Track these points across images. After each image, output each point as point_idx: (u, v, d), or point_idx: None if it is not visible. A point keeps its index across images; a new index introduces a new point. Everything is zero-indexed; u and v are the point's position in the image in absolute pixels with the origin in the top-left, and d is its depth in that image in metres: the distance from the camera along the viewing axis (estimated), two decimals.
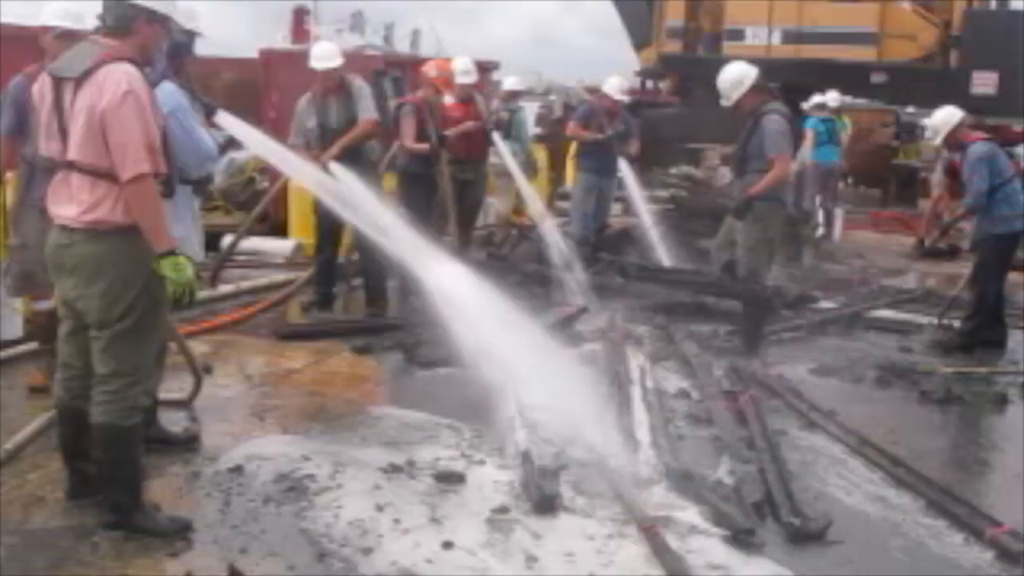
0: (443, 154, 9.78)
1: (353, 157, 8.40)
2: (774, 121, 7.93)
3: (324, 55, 8.71)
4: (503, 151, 11.04)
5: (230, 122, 5.34)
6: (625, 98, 11.70)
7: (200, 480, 5.18)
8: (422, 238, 6.69)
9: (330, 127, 8.62)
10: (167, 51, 5.06)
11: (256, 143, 5.96)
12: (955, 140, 8.47)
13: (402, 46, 19.87)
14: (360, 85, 8.77)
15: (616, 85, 11.44)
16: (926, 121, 9.04)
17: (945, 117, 8.49)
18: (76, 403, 4.56)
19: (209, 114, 5.24)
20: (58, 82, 4.32)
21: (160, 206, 4.30)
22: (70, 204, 4.30)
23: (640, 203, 11.90)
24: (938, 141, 8.55)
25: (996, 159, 8.27)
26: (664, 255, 11.16)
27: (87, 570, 4.21)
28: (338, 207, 6.90)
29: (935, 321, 9.03)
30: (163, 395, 5.70)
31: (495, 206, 12.71)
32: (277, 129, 9.44)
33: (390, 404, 6.50)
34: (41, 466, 5.17)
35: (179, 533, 4.52)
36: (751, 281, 8.11)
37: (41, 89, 4.42)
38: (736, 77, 8.02)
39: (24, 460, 5.25)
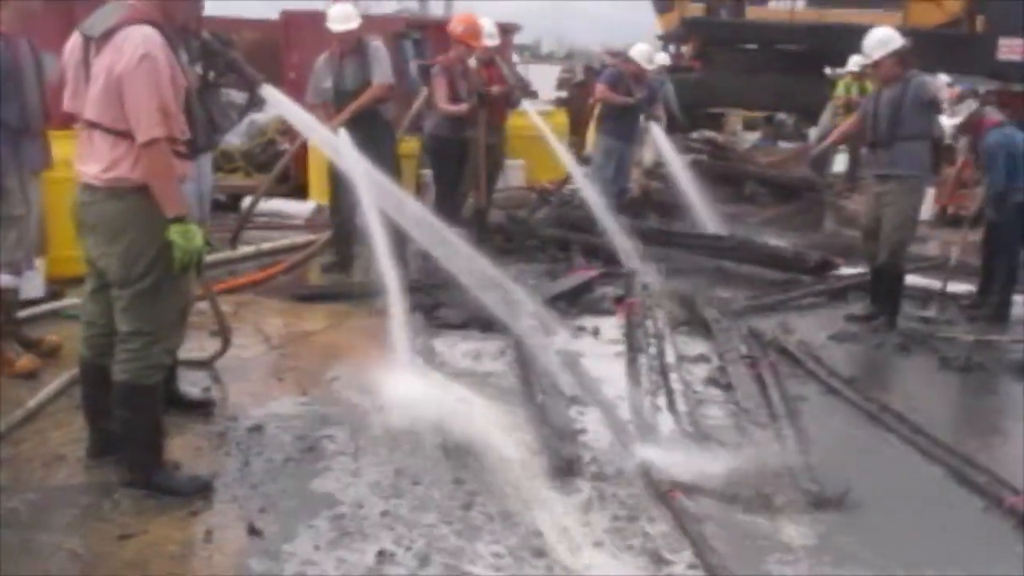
0: (482, 115, 9.69)
1: (368, 119, 8.38)
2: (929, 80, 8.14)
3: (341, 17, 8.64)
4: (533, 115, 11.03)
5: (275, 96, 5.26)
6: (652, 67, 11.64)
7: (220, 439, 5.20)
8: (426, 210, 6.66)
9: (345, 89, 8.58)
10: None
11: (297, 119, 5.84)
12: (973, 126, 8.71)
13: (436, 9, 19.93)
14: (376, 47, 8.71)
15: (645, 53, 11.39)
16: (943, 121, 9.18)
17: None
18: (99, 361, 4.58)
19: (252, 88, 5.16)
20: (86, 40, 4.32)
21: (172, 171, 4.28)
22: (92, 162, 4.30)
23: (677, 167, 11.76)
24: (956, 120, 8.87)
25: (1010, 141, 8.39)
26: (685, 220, 11.11)
27: (107, 527, 4.24)
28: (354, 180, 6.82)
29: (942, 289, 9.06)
30: (184, 355, 5.71)
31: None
32: (296, 90, 9.42)
33: (408, 366, 6.50)
34: (63, 424, 5.20)
35: (199, 492, 4.54)
36: (896, 257, 7.98)
37: (72, 46, 4.42)
38: (883, 37, 7.95)
39: (46, 418, 5.29)
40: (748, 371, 6.47)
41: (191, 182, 5.36)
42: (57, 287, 7.12)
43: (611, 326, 7.63)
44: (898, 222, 7.91)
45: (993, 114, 8.81)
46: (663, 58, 15.58)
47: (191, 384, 5.82)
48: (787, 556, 4.30)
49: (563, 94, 18.80)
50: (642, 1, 22.57)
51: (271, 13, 14.62)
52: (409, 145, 10.26)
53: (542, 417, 5.53)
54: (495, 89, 10.00)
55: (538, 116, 11.16)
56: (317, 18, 10.40)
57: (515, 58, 18.59)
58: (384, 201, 6.28)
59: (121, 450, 4.60)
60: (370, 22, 9.53)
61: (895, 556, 4.33)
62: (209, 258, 4.77)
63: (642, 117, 11.40)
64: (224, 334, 6.20)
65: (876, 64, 7.96)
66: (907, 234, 8.03)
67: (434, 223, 6.53)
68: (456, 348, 6.93)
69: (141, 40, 4.15)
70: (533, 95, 17.00)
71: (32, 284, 6.66)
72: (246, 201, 10.04)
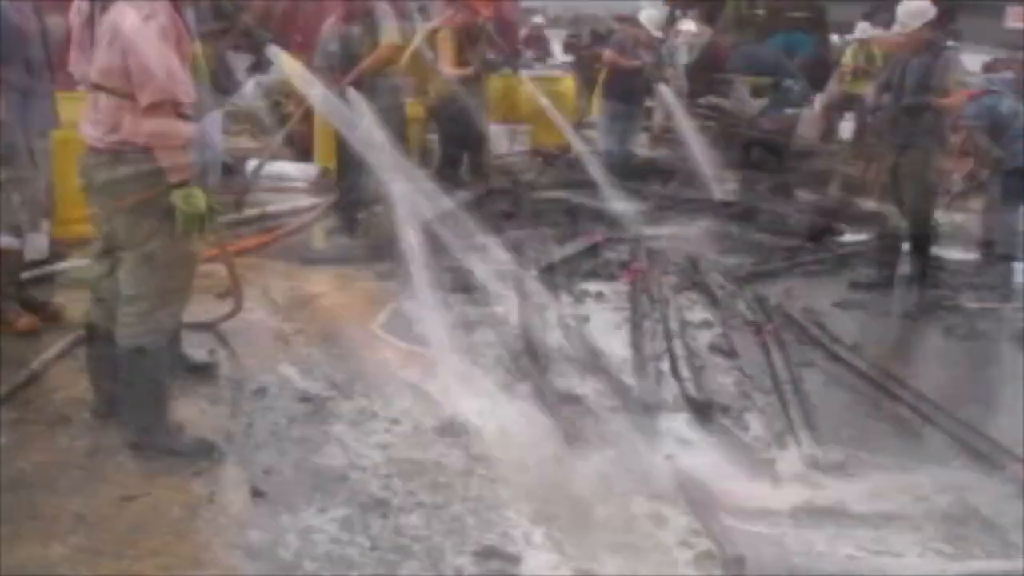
0: (484, 80, 9.70)
1: (376, 82, 8.36)
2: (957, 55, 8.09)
3: None
4: (527, 82, 11.04)
5: (282, 58, 5.23)
6: (660, 34, 11.63)
7: (225, 401, 5.22)
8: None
9: (352, 51, 8.56)
10: None
11: (303, 81, 5.80)
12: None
13: None
14: (383, 10, 8.69)
15: (655, 19, 11.36)
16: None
17: None
18: (105, 323, 4.59)
19: (260, 46, 5.14)
20: (92, 2, 4.30)
21: (177, 135, 4.26)
22: (97, 125, 4.30)
23: (688, 132, 11.75)
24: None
25: (994, 110, 8.51)
26: (692, 185, 11.09)
27: (112, 488, 4.25)
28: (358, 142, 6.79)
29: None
30: (190, 318, 5.71)
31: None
32: (303, 53, 9.38)
33: (414, 329, 6.50)
34: (67, 386, 5.21)
35: (202, 454, 4.55)
36: (924, 220, 8.06)
37: (77, 7, 4.41)
38: (919, 8, 7.91)
39: (51, 379, 5.30)
40: (752, 337, 6.48)
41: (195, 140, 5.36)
42: (62, 249, 7.11)
43: (615, 291, 7.62)
44: (923, 188, 7.97)
45: (979, 84, 8.82)
46: (689, 25, 15.55)
47: (196, 346, 5.82)
48: (787, 521, 4.31)
49: (569, 58, 18.71)
50: None
51: None
52: (415, 108, 10.22)
53: (545, 383, 5.54)
54: (491, 55, 10.00)
55: (532, 84, 11.18)
56: None
57: (541, 21, 18.51)
58: (383, 162, 6.29)
59: (125, 412, 4.62)
60: None
61: (899, 521, 4.35)
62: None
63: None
64: (237, 297, 6.18)
65: (911, 35, 7.92)
66: (932, 201, 8.12)
67: (436, 187, 6.54)
68: (460, 313, 6.92)
69: (146, 3, 4.13)
70: (543, 59, 16.96)
71: (36, 246, 6.65)
72: (251, 163, 10.01)
